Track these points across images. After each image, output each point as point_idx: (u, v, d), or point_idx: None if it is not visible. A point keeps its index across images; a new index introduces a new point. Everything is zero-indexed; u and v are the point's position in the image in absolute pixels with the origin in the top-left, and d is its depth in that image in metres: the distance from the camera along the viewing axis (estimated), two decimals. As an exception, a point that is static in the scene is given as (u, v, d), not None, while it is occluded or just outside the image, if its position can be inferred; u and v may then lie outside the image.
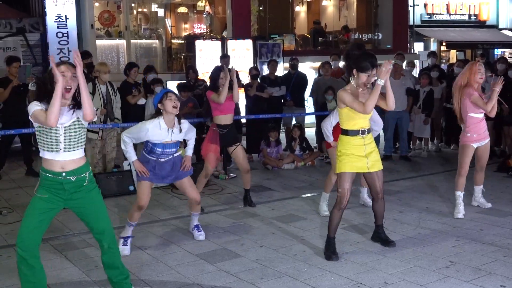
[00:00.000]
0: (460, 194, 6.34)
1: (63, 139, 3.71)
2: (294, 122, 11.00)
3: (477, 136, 6.26)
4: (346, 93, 4.92)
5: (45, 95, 3.68)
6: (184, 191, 5.50)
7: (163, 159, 5.22)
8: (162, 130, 5.08)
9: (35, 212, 3.76)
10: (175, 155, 5.30)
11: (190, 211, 5.74)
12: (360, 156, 4.98)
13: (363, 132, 4.96)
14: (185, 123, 5.30)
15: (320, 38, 17.66)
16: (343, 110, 4.96)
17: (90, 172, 3.89)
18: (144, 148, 5.29)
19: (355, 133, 4.95)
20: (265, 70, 12.19)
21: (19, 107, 8.63)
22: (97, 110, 7.84)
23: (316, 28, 17.66)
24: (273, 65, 10.83)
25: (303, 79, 11.01)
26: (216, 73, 6.59)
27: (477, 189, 6.67)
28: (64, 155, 3.74)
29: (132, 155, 5.23)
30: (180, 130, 5.18)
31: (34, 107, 3.68)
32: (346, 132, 5.00)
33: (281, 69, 12.66)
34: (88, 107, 3.60)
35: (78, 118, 3.76)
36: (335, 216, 5.04)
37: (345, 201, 4.99)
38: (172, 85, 9.57)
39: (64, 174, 3.75)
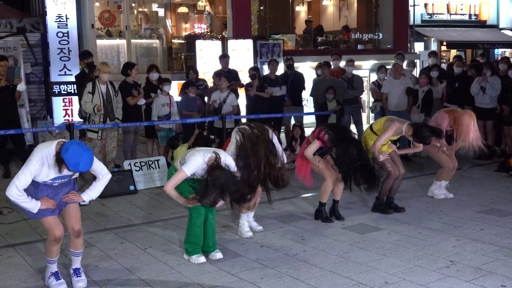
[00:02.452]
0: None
1: None
2: (293, 121, 11.00)
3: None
4: (393, 127, 6.27)
5: None
6: (67, 218, 4.56)
7: (58, 182, 4.34)
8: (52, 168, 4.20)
9: None
10: (74, 176, 4.50)
11: (69, 248, 4.66)
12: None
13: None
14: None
15: (319, 38, 17.65)
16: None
17: None
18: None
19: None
20: (266, 70, 12.18)
21: (8, 107, 8.63)
22: (95, 107, 7.82)
23: (309, 27, 17.66)
24: (273, 65, 10.81)
25: (300, 78, 11.02)
26: None
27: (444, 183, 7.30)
28: None
29: (33, 201, 4.24)
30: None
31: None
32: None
33: (282, 69, 12.64)
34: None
35: None
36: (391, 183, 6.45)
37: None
38: (173, 85, 9.58)
39: None
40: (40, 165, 4.11)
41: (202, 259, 4.97)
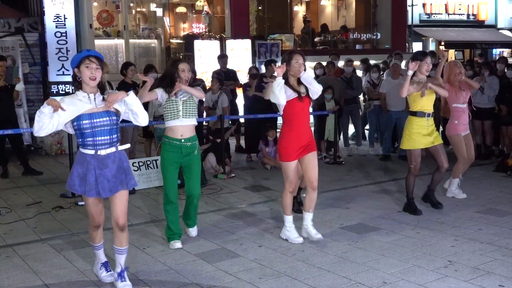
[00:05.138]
0: (458, 180, 7.15)
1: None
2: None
3: (463, 125, 7.01)
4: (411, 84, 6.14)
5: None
6: (113, 208, 4.23)
7: (103, 151, 4.05)
8: (81, 97, 4.05)
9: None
10: (120, 147, 4.17)
11: (113, 244, 4.39)
12: (424, 134, 6.19)
13: (428, 115, 6.18)
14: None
15: (318, 38, 17.65)
16: (412, 95, 6.14)
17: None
18: (78, 141, 4.12)
19: (421, 114, 6.17)
20: (263, 70, 12.16)
21: (7, 106, 8.62)
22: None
23: (308, 27, 17.65)
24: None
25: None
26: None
27: (455, 181, 7.22)
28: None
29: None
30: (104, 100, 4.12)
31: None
32: (414, 114, 6.20)
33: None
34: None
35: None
36: (411, 182, 6.40)
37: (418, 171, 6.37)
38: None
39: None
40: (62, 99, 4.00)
41: (178, 244, 5.36)
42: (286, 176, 5.41)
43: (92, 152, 4.04)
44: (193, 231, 5.70)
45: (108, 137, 4.05)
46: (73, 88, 4.16)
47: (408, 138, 6.23)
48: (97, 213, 4.28)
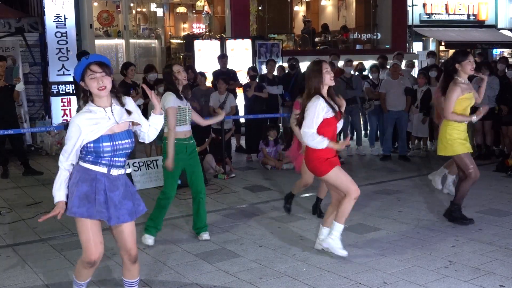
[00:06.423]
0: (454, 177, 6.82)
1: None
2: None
3: None
4: (457, 87, 5.73)
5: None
6: (122, 239, 3.64)
7: (116, 171, 3.52)
8: (97, 113, 3.44)
9: None
10: (128, 170, 4.07)
11: (123, 277, 3.82)
12: (463, 139, 5.82)
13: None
14: (128, 100, 3.64)
15: (318, 38, 17.66)
16: (458, 98, 5.71)
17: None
18: (81, 155, 3.48)
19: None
20: (263, 70, 12.19)
21: (7, 107, 8.62)
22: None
23: (308, 27, 17.66)
24: (271, 65, 10.84)
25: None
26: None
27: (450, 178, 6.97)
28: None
29: (58, 192, 3.43)
30: (123, 106, 3.57)
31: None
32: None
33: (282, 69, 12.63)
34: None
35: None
36: (467, 188, 5.92)
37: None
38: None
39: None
40: (77, 126, 3.38)
41: (151, 241, 5.52)
42: (342, 185, 4.89)
43: (104, 170, 3.46)
44: (205, 235, 5.63)
45: (124, 159, 3.57)
46: (82, 102, 3.48)
47: (451, 143, 5.82)
48: (98, 242, 3.50)
